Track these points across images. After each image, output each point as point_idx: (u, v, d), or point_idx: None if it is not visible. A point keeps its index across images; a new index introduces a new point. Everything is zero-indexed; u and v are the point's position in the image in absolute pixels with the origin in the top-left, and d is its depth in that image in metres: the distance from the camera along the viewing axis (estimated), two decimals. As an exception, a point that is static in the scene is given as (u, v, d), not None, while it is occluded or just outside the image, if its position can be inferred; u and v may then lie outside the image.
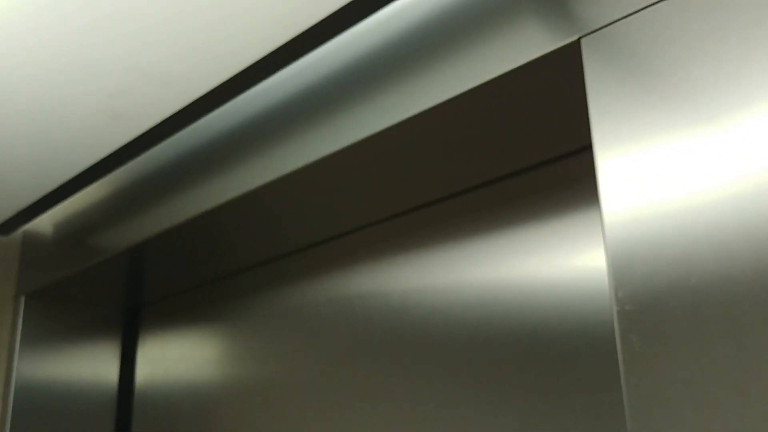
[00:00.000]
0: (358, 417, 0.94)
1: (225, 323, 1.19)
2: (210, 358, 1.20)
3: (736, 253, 0.49)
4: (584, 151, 0.77)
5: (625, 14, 0.58)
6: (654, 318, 0.51)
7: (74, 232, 1.16)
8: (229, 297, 1.20)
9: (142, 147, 0.95)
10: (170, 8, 0.67)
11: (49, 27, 0.69)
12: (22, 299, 1.26)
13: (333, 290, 1.03)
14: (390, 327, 0.93)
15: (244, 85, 0.82)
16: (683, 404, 0.49)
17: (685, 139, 0.53)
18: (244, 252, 1.12)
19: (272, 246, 1.09)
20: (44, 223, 1.22)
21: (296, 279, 1.09)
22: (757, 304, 0.47)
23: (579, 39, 0.60)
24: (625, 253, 0.54)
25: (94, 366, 1.32)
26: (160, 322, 1.33)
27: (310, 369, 1.02)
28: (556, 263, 0.80)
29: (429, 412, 0.87)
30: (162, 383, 1.28)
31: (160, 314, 1.34)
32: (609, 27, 0.59)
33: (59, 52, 0.73)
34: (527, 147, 0.78)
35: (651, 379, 0.50)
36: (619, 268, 0.54)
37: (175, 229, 0.96)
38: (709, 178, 0.51)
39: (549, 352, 0.78)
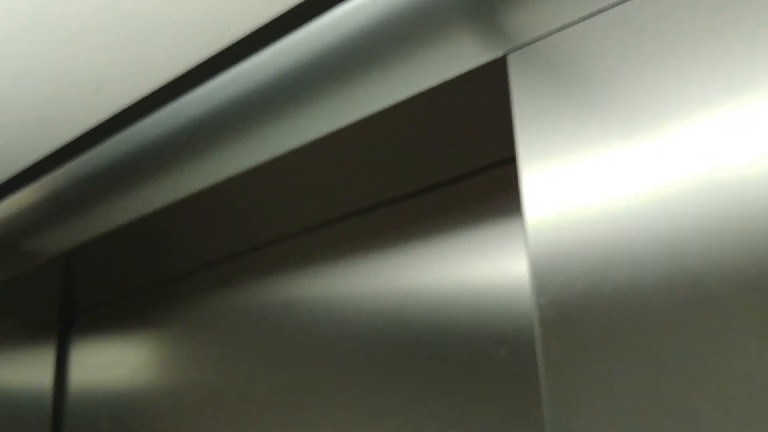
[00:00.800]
0: (279, 424, 0.95)
1: (158, 330, 1.18)
2: (144, 365, 1.18)
3: (648, 262, 0.51)
4: (510, 162, 0.79)
5: (551, 30, 0.60)
6: (573, 324, 0.53)
7: (6, 238, 1.13)
8: (162, 304, 1.19)
9: (74, 152, 0.94)
10: (102, 15, 0.67)
11: (-23, 31, 0.68)
12: (-47, 306, 1.23)
13: (258, 300, 1.03)
14: (319, 335, 0.94)
15: (175, 92, 0.82)
16: (600, 409, 0.51)
17: (605, 152, 0.55)
18: (176, 259, 1.11)
19: (201, 254, 1.09)
20: (-25, 228, 1.19)
21: (221, 288, 1.09)
22: (667, 311, 0.49)
23: (505, 55, 0.62)
24: (546, 261, 0.56)
25: (28, 373, 1.29)
26: (95, 328, 1.31)
27: (237, 375, 1.02)
28: (479, 272, 0.81)
29: (346, 418, 0.88)
30: (96, 390, 1.26)
31: (95, 320, 1.32)
32: (535, 43, 0.61)
33: (-13, 57, 0.71)
34: (453, 158, 0.80)
35: (570, 384, 0.52)
36: (540, 277, 0.56)
37: (108, 235, 0.95)
38: (625, 190, 0.53)
39: (472, 359, 0.79)
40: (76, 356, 1.32)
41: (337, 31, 0.73)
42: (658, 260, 0.50)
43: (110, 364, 1.25)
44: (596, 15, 0.58)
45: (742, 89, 0.49)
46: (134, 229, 0.94)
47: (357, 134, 0.72)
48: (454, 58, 0.64)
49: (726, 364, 0.45)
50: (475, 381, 0.77)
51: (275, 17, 0.67)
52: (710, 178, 0.49)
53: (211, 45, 0.71)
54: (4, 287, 1.17)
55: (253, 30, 0.69)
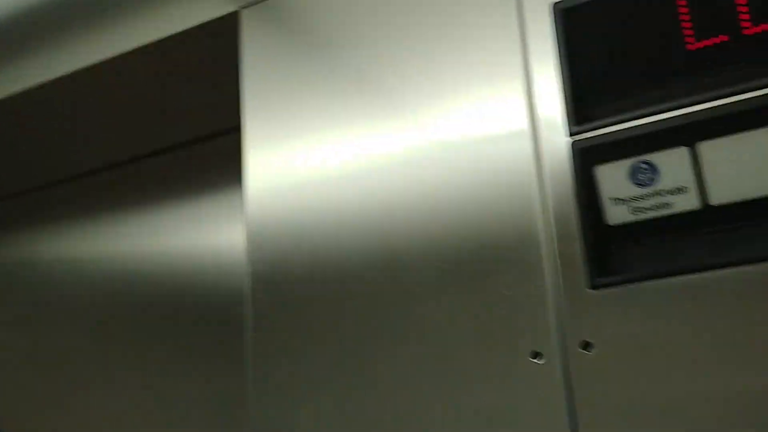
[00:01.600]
0: (20, 383, 0.92)
1: None
2: None
3: (350, 228, 0.55)
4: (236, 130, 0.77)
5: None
6: (278, 279, 0.57)
7: None
8: None
9: None
10: None
11: None
12: None
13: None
14: (40, 296, 0.92)
15: None
16: (301, 356, 0.54)
17: (327, 124, 0.54)
18: None
19: None
20: None
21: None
22: (364, 270, 0.53)
23: (239, 10, 0.59)
24: (260, 220, 0.58)
25: None
26: None
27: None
28: (202, 235, 0.81)
29: (86, 375, 0.86)
30: None
31: None
32: (271, -1, 0.58)
33: None
34: (178, 125, 0.77)
35: (275, 333, 0.55)
36: (254, 234, 0.58)
37: None
38: (339, 161, 0.55)
39: (209, 316, 0.80)
40: None
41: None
42: (359, 227, 0.55)
43: None
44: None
45: (463, 83, 0.51)
46: None
47: (74, 92, 0.68)
48: (184, 12, 0.61)
49: (416, 316, 0.50)
50: (211, 336, 0.78)
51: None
52: (409, 157, 0.53)
53: None
54: None
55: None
